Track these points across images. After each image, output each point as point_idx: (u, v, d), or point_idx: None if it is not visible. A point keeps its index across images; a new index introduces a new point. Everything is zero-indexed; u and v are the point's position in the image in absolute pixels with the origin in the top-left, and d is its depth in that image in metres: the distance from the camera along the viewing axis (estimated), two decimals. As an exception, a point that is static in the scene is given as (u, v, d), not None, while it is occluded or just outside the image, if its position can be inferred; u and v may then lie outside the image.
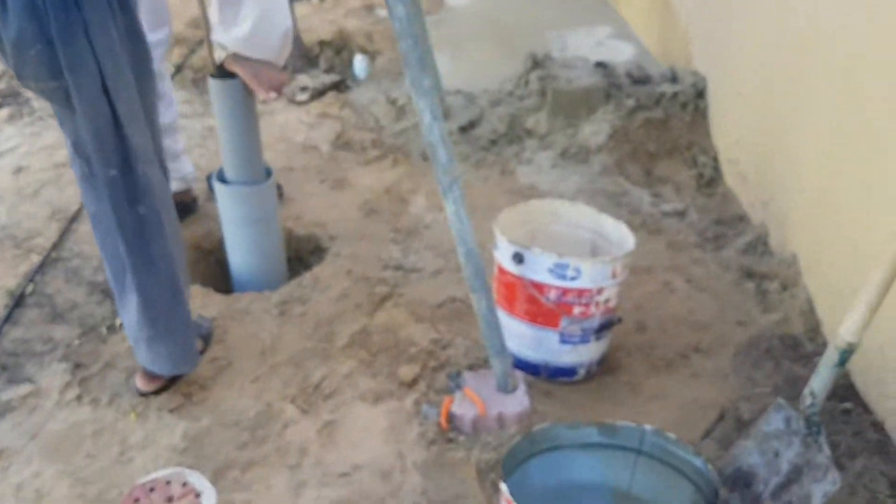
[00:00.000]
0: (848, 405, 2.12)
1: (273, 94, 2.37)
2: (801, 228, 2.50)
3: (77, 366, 2.30)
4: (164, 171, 2.03)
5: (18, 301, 2.57)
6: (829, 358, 1.66)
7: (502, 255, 2.16)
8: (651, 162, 3.26)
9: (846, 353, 1.64)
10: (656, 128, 3.24)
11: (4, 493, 1.91)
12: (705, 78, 3.30)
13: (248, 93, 2.39)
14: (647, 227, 2.90)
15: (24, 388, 2.23)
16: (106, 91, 1.78)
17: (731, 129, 3.03)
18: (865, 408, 2.10)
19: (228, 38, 2.28)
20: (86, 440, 2.07)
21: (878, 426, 2.03)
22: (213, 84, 2.39)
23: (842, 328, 1.62)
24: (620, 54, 4.05)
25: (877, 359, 2.05)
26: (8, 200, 3.16)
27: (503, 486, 1.55)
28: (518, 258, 2.10)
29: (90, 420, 2.12)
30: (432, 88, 1.77)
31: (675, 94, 3.26)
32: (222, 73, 2.37)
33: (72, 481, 1.94)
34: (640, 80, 3.50)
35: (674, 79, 3.46)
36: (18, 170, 3.36)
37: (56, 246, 2.84)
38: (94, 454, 2.02)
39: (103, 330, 2.44)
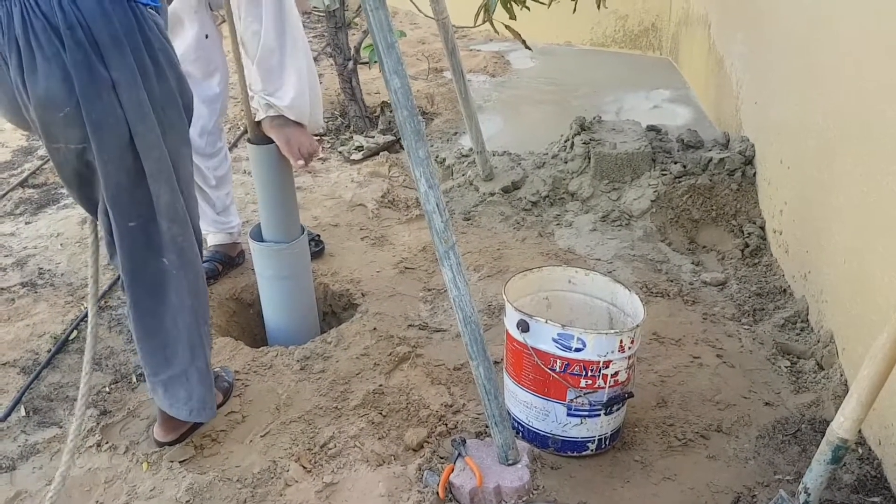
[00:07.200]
0: (876, 500, 1.98)
1: (302, 162, 2.43)
2: (837, 306, 2.36)
3: (103, 413, 2.38)
4: (196, 229, 2.05)
5: (61, 347, 2.69)
6: (822, 454, 1.55)
7: (510, 322, 2.13)
8: (695, 229, 3.17)
9: (840, 450, 1.52)
10: (702, 194, 3.15)
11: (11, 537, 1.98)
12: (753, 144, 3.20)
13: (283, 158, 2.45)
14: (683, 297, 2.80)
15: (50, 432, 2.33)
16: (133, 148, 1.80)
17: (776, 197, 2.92)
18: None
19: (276, 100, 2.37)
20: (98, 488, 2.13)
21: (908, 524, 1.89)
22: (251, 149, 2.47)
23: (834, 423, 1.51)
24: (676, 118, 3.99)
25: (906, 452, 1.91)
26: (70, 249, 3.34)
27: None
28: (523, 326, 2.06)
29: (105, 468, 2.18)
30: (427, 158, 1.79)
31: (721, 161, 3.17)
32: (258, 138, 2.45)
33: (75, 529, 2.00)
34: (692, 145, 3.44)
35: (726, 145, 3.38)
36: (84, 220, 3.54)
37: (105, 295, 2.98)
38: (102, 503, 2.08)
39: (133, 378, 2.53)
